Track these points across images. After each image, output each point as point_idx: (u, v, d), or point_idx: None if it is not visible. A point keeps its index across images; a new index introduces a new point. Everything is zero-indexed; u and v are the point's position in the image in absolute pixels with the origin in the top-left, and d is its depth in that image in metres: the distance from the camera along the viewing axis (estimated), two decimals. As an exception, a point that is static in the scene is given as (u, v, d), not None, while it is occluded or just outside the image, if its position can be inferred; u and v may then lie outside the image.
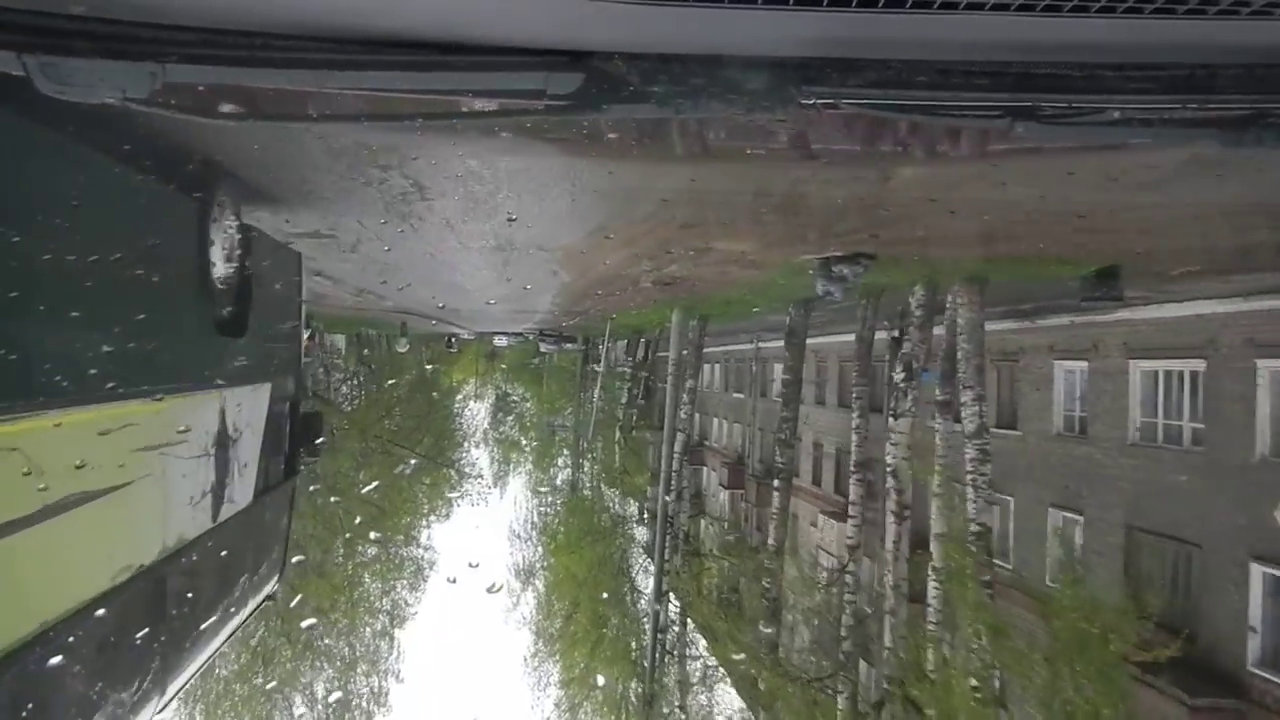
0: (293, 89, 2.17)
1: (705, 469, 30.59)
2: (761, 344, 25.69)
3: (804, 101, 2.11)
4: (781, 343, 20.87)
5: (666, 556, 21.64)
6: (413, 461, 29.04)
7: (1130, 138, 2.56)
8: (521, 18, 1.91)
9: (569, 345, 35.89)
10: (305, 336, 21.78)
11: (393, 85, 2.10)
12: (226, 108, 2.34)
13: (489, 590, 24.61)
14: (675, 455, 22.58)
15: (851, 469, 17.04)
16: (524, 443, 40.61)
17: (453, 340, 39.29)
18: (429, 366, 38.77)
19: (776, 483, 18.72)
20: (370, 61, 1.94)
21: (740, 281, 12.65)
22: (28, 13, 1.77)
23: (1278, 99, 2.07)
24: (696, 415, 30.78)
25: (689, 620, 21.97)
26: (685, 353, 22.24)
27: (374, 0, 1.88)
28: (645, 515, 29.43)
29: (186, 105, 2.22)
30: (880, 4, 1.75)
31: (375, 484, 25.74)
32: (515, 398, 45.57)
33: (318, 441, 8.76)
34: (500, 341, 39.20)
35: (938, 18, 1.79)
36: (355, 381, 34.22)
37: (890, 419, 14.27)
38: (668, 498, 21.99)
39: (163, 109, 2.12)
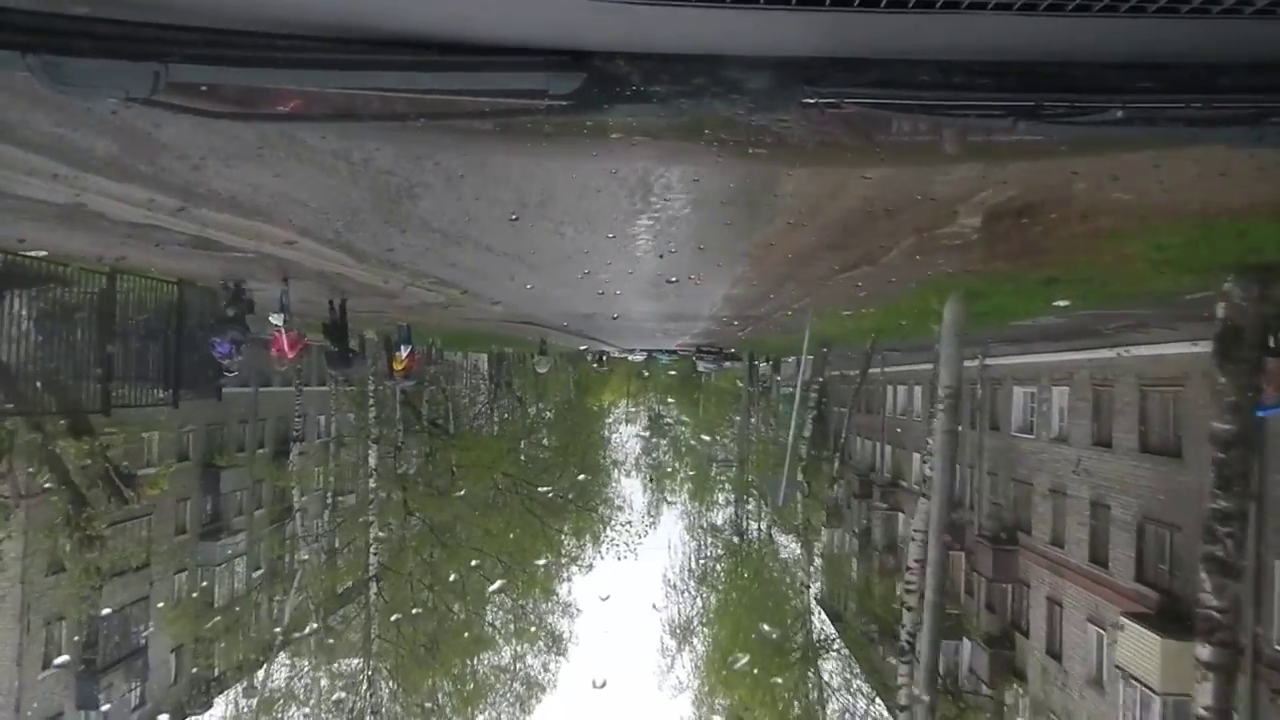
0: (296, 89, 2.18)
1: (900, 515, 25.21)
2: (989, 359, 19.12)
3: (806, 101, 2.12)
4: (1029, 357, 16.46)
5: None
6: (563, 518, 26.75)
7: (1133, 137, 2.56)
8: (523, 18, 1.91)
9: (729, 364, 31.06)
10: (404, 354, 18.85)
11: (395, 85, 2.10)
12: (229, 107, 2.34)
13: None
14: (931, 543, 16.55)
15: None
16: (680, 471, 36.85)
17: (602, 358, 35.03)
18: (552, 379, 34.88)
19: (1207, 650, 10.39)
20: (373, 61, 1.94)
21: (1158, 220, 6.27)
22: (30, 13, 1.77)
23: None
24: (888, 448, 26.10)
25: None
26: (955, 376, 15.96)
27: (376, 0, 1.88)
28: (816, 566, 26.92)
29: (189, 104, 2.23)
30: (883, 3, 1.75)
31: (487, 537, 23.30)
32: (669, 420, 41.17)
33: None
34: (650, 358, 34.90)
35: (941, 17, 1.79)
36: (491, 406, 31.98)
37: None
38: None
39: (165, 108, 2.12)
